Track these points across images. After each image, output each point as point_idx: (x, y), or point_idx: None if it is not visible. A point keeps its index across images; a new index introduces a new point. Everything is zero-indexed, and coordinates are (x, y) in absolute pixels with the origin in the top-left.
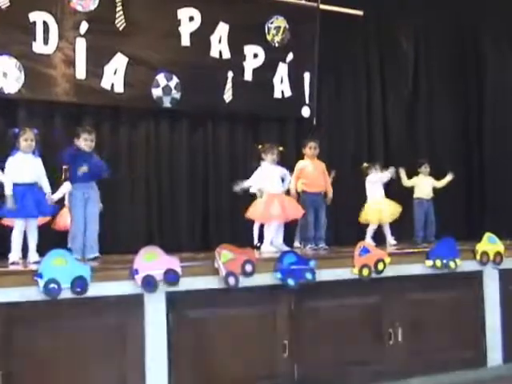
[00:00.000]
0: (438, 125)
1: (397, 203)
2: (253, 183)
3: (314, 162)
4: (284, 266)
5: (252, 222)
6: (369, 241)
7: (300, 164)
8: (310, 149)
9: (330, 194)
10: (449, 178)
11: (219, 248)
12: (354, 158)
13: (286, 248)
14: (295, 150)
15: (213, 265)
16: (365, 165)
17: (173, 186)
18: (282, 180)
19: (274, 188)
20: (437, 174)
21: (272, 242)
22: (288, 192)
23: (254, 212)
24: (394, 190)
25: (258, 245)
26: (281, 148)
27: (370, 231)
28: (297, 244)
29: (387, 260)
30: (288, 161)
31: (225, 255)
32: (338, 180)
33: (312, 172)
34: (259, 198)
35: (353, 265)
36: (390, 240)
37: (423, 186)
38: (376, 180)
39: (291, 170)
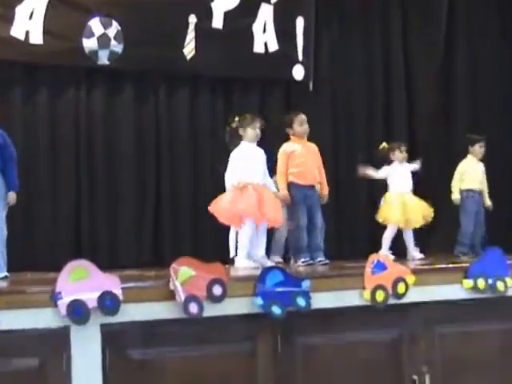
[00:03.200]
0: (482, 89)
1: (426, 203)
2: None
3: (304, 145)
4: (267, 288)
5: (225, 226)
6: (385, 253)
7: (287, 147)
8: (302, 125)
9: (326, 190)
10: None
11: (176, 263)
12: (367, 137)
13: (270, 263)
14: (283, 126)
15: (167, 286)
16: (384, 145)
17: (111, 176)
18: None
19: (256, 177)
20: None
21: (250, 254)
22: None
23: (217, 207)
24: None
25: (235, 258)
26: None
27: (387, 238)
28: (276, 258)
29: (410, 279)
30: (273, 142)
31: (184, 273)
32: (341, 174)
33: (304, 157)
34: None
35: (363, 286)
36: (414, 252)
37: (476, 172)
38: (398, 169)
39: (275, 155)
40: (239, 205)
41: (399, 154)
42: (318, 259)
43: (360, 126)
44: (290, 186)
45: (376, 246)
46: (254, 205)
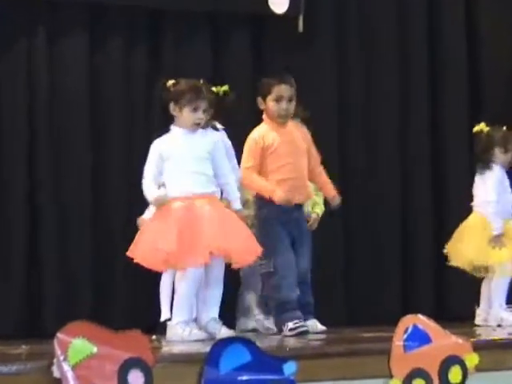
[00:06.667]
0: None
1: None
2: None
3: (285, 134)
4: (223, 376)
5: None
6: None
7: (259, 134)
8: (279, 101)
9: (333, 191)
10: None
11: (65, 331)
12: (396, 112)
13: (227, 331)
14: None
15: (49, 372)
16: (482, 126)
17: None
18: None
19: (193, 184)
20: None
21: (193, 317)
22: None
23: (135, 248)
24: None
25: (168, 323)
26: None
27: (501, 291)
28: (250, 324)
29: (471, 360)
30: (240, 122)
31: (79, 349)
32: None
33: (285, 157)
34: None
35: (390, 372)
36: (503, 312)
37: None
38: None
39: (241, 144)
40: (158, 242)
41: (500, 155)
42: (309, 323)
43: (384, 91)
44: (258, 203)
45: (412, 304)
46: (173, 238)
